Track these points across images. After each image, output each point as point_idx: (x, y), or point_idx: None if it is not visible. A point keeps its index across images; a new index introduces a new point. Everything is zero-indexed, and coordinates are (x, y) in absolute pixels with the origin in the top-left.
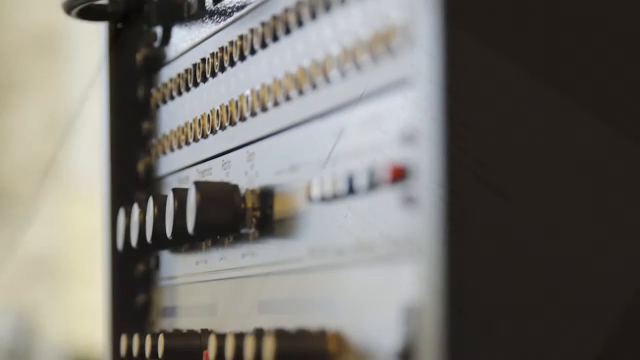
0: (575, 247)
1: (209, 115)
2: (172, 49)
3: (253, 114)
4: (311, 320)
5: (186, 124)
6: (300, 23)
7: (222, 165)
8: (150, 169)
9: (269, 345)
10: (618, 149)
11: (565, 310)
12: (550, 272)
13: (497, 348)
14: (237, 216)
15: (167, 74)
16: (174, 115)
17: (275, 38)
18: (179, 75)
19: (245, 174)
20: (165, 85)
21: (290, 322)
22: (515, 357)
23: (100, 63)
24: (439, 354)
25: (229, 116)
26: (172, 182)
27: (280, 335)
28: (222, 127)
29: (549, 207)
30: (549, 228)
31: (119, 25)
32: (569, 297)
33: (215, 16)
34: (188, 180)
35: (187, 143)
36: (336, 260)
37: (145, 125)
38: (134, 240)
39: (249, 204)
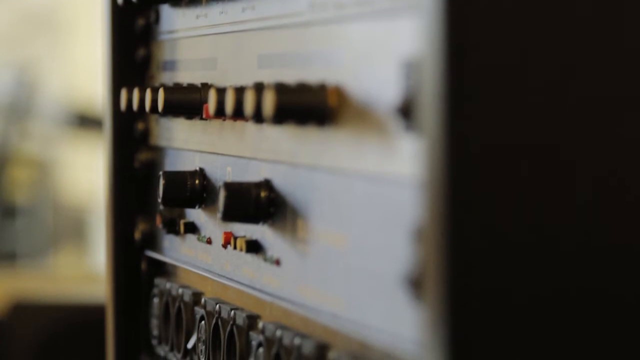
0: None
1: None
2: None
3: None
4: (311, 74)
5: None
6: None
7: None
8: None
9: (269, 99)
10: None
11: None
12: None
13: (497, 104)
14: None
15: None
16: None
17: None
18: None
19: None
20: None
21: (290, 77)
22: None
23: None
24: (438, 108)
25: None
26: None
27: (281, 89)
28: None
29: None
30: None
31: None
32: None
33: None
34: None
35: None
36: (336, 13)
37: None
38: None
39: None
